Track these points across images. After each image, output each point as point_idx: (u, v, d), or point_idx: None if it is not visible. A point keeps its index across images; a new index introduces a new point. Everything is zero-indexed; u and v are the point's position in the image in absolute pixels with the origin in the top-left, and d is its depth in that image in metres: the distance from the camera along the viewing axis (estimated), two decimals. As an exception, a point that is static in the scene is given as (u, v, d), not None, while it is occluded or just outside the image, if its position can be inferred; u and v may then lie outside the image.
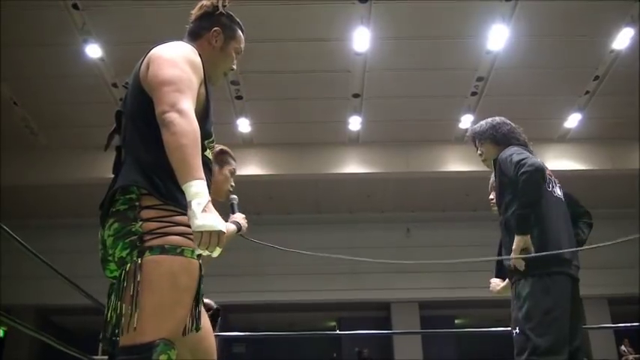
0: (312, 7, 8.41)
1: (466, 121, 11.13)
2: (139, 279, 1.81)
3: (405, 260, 13.44)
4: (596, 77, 9.98)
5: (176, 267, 1.84)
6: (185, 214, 1.81)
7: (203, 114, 2.03)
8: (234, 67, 2.31)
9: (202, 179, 1.79)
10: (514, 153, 3.19)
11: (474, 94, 10.41)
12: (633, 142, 11.18)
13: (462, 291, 13.06)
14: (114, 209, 1.93)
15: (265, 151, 11.75)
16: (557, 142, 11.41)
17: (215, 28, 2.20)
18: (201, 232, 1.73)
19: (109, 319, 1.90)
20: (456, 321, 15.82)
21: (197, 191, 1.76)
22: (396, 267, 13.24)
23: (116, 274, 1.93)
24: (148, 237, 1.85)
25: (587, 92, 10.39)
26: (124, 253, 1.87)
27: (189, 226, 1.80)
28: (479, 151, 3.56)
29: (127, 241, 1.87)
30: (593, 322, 10.22)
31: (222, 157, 3.07)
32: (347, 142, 11.96)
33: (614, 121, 10.84)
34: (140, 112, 1.99)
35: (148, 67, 1.98)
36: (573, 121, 11.03)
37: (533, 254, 3.04)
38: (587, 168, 11.54)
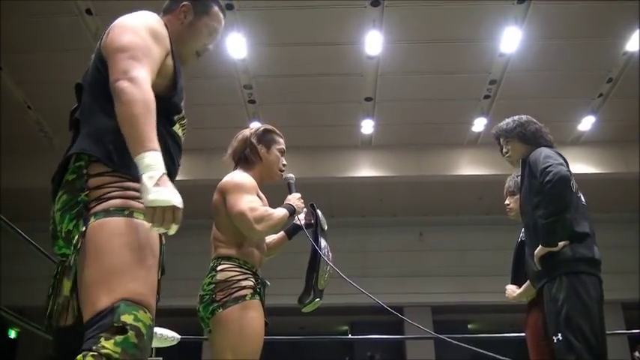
0: (324, 11, 8.41)
1: (479, 125, 11.09)
2: (82, 247, 1.64)
3: (418, 264, 13.44)
4: (610, 80, 9.92)
5: (124, 226, 1.64)
6: (137, 181, 1.64)
7: (170, 87, 1.89)
8: (210, 46, 2.16)
9: (157, 150, 1.62)
10: (544, 157, 3.11)
11: (486, 97, 10.37)
12: (636, 145, 11.11)
13: (475, 295, 13.00)
14: (64, 181, 1.79)
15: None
16: (571, 145, 11.33)
17: (184, 3, 2.06)
18: (154, 207, 1.56)
19: (52, 297, 1.76)
20: (469, 326, 15.75)
21: (150, 163, 1.59)
22: (409, 271, 13.22)
23: (65, 250, 1.79)
24: (93, 204, 1.68)
25: (601, 95, 10.33)
26: (70, 226, 1.72)
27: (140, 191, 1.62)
28: (504, 149, 3.47)
29: (73, 212, 1.72)
30: (606, 328, 10.13)
31: (269, 137, 2.93)
32: (359, 146, 11.96)
33: (628, 124, 10.75)
34: (97, 81, 1.85)
35: (107, 36, 1.86)
36: (587, 124, 10.96)
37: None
38: (601, 171, 11.46)
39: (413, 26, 8.76)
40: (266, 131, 2.92)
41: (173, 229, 1.61)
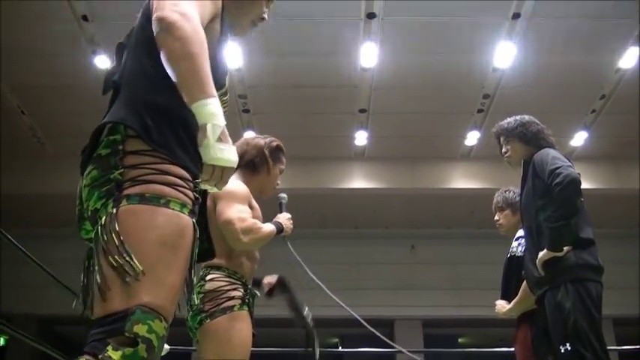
0: (319, 23, 8.44)
1: (472, 138, 11.13)
2: (117, 229, 1.45)
3: (409, 277, 13.42)
4: (603, 96, 9.98)
5: (159, 219, 1.47)
6: (178, 165, 1.51)
7: (212, 56, 1.60)
8: (266, 16, 2.00)
9: (216, 97, 1.48)
10: (552, 158, 3.01)
11: (480, 111, 10.41)
12: (635, 160, 11.16)
13: (466, 309, 12.98)
14: (95, 154, 1.62)
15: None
16: (564, 160, 11.37)
17: None
18: (213, 165, 1.46)
19: (85, 282, 1.62)
20: (460, 340, 15.72)
21: (213, 111, 1.45)
22: (401, 284, 13.19)
23: (91, 234, 1.60)
24: (127, 184, 1.51)
25: (594, 111, 10.38)
26: (98, 204, 1.54)
27: (180, 178, 1.51)
28: (504, 149, 3.40)
29: (103, 190, 1.54)
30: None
31: (279, 154, 2.93)
32: (353, 157, 11.96)
33: (621, 140, 10.81)
34: (143, 43, 1.67)
35: None
36: (579, 139, 11.01)
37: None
38: (593, 187, 11.50)
39: (408, 39, 8.80)
40: (278, 148, 2.93)
41: (218, 189, 1.53)
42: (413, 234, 13.75)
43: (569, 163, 3.00)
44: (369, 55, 8.92)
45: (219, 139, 1.46)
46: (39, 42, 8.54)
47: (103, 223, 1.50)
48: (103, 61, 8.89)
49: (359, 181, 12.10)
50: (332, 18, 8.36)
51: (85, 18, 8.20)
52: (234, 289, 2.58)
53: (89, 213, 1.60)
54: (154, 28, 1.53)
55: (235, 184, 2.70)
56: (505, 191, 3.89)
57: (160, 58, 1.53)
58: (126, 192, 1.50)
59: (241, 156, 2.69)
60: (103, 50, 8.72)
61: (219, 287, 2.55)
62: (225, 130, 1.48)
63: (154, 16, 1.53)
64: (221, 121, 1.47)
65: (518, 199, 3.80)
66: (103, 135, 1.62)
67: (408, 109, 10.35)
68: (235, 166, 1.49)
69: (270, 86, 9.74)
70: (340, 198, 12.45)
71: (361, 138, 11.24)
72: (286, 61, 9.18)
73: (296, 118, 10.62)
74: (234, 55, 8.77)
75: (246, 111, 10.24)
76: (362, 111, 10.46)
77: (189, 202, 1.53)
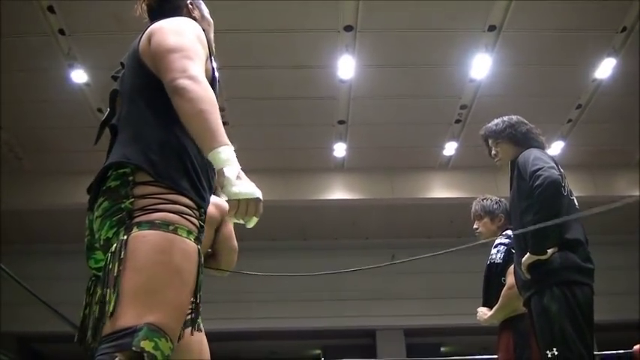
0: (297, 35, 8.47)
1: (450, 148, 11.20)
2: (122, 257, 1.56)
3: (390, 287, 13.42)
4: (579, 106, 10.10)
5: (166, 244, 1.58)
6: (184, 195, 1.63)
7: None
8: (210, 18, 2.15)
9: (230, 145, 1.62)
10: (533, 158, 2.94)
11: (457, 121, 10.49)
12: (615, 170, 11.29)
13: (447, 318, 13.01)
14: (104, 187, 1.71)
15: (250, 178, 11.47)
16: (541, 169, 11.47)
17: (189, 0, 2.05)
18: (238, 200, 1.57)
19: (87, 313, 1.69)
20: (442, 349, 15.74)
21: (227, 157, 1.60)
22: (381, 293, 13.18)
23: (102, 264, 1.69)
24: (138, 213, 1.62)
25: (570, 120, 10.51)
26: (110, 233, 1.65)
27: (186, 207, 1.63)
28: (493, 151, 3.30)
29: (114, 219, 1.65)
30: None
31: None
32: (332, 169, 11.98)
33: (597, 149, 10.95)
34: (139, 87, 1.81)
35: (149, 41, 1.82)
36: (556, 148, 11.12)
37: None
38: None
39: (385, 51, 8.86)
40: None
41: (253, 222, 1.62)
42: (393, 244, 13.75)
43: (552, 164, 2.94)
44: (346, 67, 8.96)
45: (238, 177, 1.61)
46: (15, 56, 8.45)
47: (112, 250, 1.61)
48: (79, 76, 8.84)
49: (338, 192, 12.11)
50: (309, 30, 8.39)
51: (61, 32, 8.15)
52: None
53: (101, 242, 1.69)
54: (167, 91, 1.68)
55: None
56: (483, 199, 3.91)
57: (155, 99, 1.71)
58: (137, 220, 1.62)
59: None
60: (79, 64, 8.66)
61: None
62: (242, 172, 1.63)
63: (165, 80, 1.70)
64: (235, 164, 1.61)
65: (496, 206, 3.83)
66: (111, 171, 1.72)
67: (387, 120, 10.40)
68: (258, 196, 1.59)
69: (248, 98, 9.74)
70: (320, 209, 12.45)
71: (340, 149, 11.26)
72: (265, 73, 9.19)
73: (275, 130, 10.63)
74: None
75: (225, 123, 10.19)
76: (340, 122, 10.49)
77: (195, 229, 1.67)
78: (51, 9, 7.79)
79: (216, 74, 1.97)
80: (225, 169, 1.59)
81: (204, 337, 2.32)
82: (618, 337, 8.79)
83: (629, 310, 11.02)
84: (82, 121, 9.62)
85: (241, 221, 1.61)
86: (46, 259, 12.39)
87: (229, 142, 1.64)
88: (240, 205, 1.58)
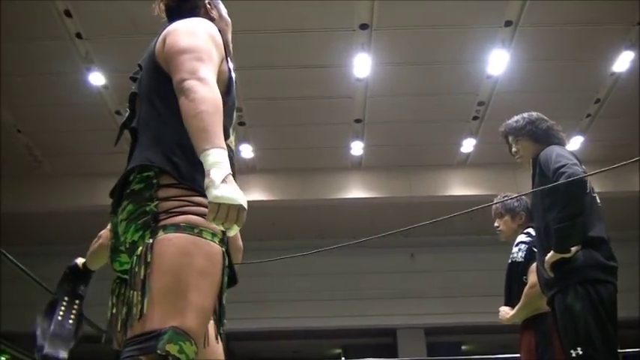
0: (313, 35, 8.47)
1: (468, 145, 11.14)
2: (149, 260, 1.58)
3: (410, 285, 13.40)
4: (597, 100, 10.01)
5: (192, 247, 1.59)
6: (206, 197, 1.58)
7: (225, 93, 1.81)
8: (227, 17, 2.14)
9: (223, 148, 1.59)
10: (556, 155, 2.91)
11: (475, 118, 10.43)
12: (634, 164, 11.15)
13: (468, 316, 12.95)
14: (128, 190, 1.73)
15: (268, 178, 11.75)
16: (560, 165, 11.38)
17: (206, 0, 2.04)
18: (218, 204, 1.51)
19: (114, 312, 1.74)
20: (463, 347, 15.67)
21: (216, 160, 1.56)
22: (402, 292, 13.16)
23: (126, 266, 1.71)
24: (163, 216, 1.63)
25: (589, 115, 10.41)
26: (136, 236, 1.66)
27: None
28: (514, 149, 3.27)
29: (139, 222, 1.66)
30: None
31: None
32: (349, 168, 11.97)
33: (617, 143, 10.82)
34: (156, 89, 1.81)
35: (163, 43, 1.83)
36: (575, 143, 11.03)
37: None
38: (590, 191, 11.51)
39: (401, 49, 8.83)
40: None
41: (234, 230, 1.57)
42: (412, 242, 13.73)
43: (575, 161, 2.93)
44: (362, 65, 8.94)
45: (224, 181, 1.54)
46: (33, 60, 8.55)
47: (138, 253, 1.62)
48: (97, 78, 8.90)
49: (356, 191, 12.09)
50: (325, 30, 8.39)
51: (78, 35, 8.22)
52: None
53: (127, 245, 1.70)
54: (175, 91, 1.68)
55: None
56: (503, 197, 3.88)
57: (172, 100, 1.69)
58: (162, 223, 1.62)
59: None
60: (97, 67, 8.73)
61: None
62: (231, 177, 1.57)
63: (174, 79, 1.70)
64: (224, 168, 1.55)
65: (516, 204, 3.79)
66: (134, 174, 1.73)
67: (403, 118, 10.37)
68: (241, 204, 1.53)
69: (265, 99, 9.75)
70: (338, 208, 12.44)
71: (357, 148, 11.24)
72: (281, 74, 9.21)
73: (292, 129, 10.63)
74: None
75: (242, 124, 10.25)
76: (357, 121, 10.47)
77: (219, 231, 1.65)
78: (67, 13, 7.86)
79: (233, 75, 1.94)
80: (211, 171, 1.55)
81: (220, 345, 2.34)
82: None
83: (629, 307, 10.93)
84: (100, 124, 9.70)
85: (221, 227, 1.56)
86: (68, 261, 12.48)
87: (223, 145, 1.60)
88: (220, 210, 1.52)
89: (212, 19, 2.01)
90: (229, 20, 2.15)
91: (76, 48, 8.44)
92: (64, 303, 2.56)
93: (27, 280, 3.30)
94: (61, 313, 2.50)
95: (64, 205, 11.37)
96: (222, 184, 1.53)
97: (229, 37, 2.12)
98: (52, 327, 2.47)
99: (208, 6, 2.05)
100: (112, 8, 7.66)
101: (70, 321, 2.50)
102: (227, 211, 1.52)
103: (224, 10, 2.15)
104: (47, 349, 2.40)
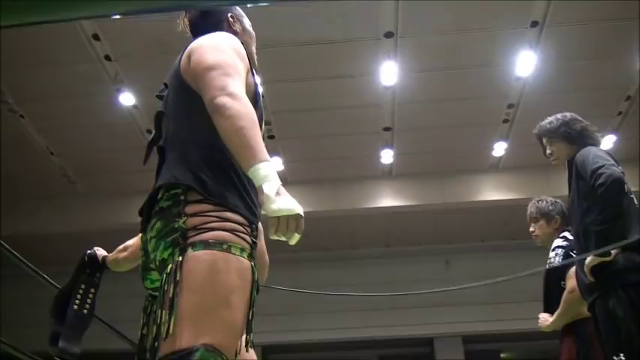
0: (338, 46, 8.49)
1: (499, 149, 11.03)
2: (177, 278, 1.57)
3: (447, 293, 13.28)
4: (628, 97, 9.85)
5: (221, 263, 1.60)
6: (235, 212, 1.63)
7: (253, 105, 1.80)
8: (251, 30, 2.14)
9: (269, 161, 1.61)
10: (593, 156, 2.87)
11: (505, 121, 10.33)
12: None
13: (505, 323, 12.79)
14: (157, 208, 1.72)
15: (299, 189, 11.74)
16: (594, 165, 11.21)
17: (230, 14, 2.05)
18: (278, 217, 1.54)
19: (145, 332, 1.77)
20: (502, 355, 15.47)
21: (266, 174, 1.58)
22: (438, 300, 13.05)
23: (157, 284, 1.71)
24: (191, 233, 1.64)
25: (620, 113, 10.24)
26: (165, 254, 1.67)
27: (239, 224, 1.63)
28: (548, 151, 3.23)
29: (168, 240, 1.67)
30: None
31: None
32: (380, 176, 11.93)
33: (650, 141, 10.63)
34: (182, 107, 1.82)
35: (189, 59, 1.83)
36: (608, 142, 10.84)
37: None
38: (626, 190, 11.30)
39: (427, 55, 8.80)
40: None
41: (295, 239, 1.60)
42: (446, 249, 13.63)
43: (613, 162, 2.88)
44: (389, 73, 8.93)
45: (278, 194, 1.58)
46: (63, 84, 8.71)
47: (168, 271, 1.62)
48: (127, 98, 9.04)
49: (388, 199, 12.04)
50: (350, 40, 8.40)
51: (107, 58, 8.35)
52: None
53: (157, 263, 1.70)
54: (208, 109, 1.68)
55: None
56: (538, 201, 3.83)
57: (198, 117, 1.70)
58: (191, 240, 1.63)
59: None
60: (127, 87, 8.86)
61: None
62: (282, 188, 1.59)
63: (205, 98, 1.69)
64: (275, 180, 1.57)
65: (551, 207, 3.73)
66: (162, 192, 1.73)
67: (433, 124, 10.32)
68: (298, 213, 1.57)
69: (293, 111, 9.80)
70: (370, 218, 12.40)
71: (387, 156, 11.21)
72: (308, 85, 9.24)
73: (321, 140, 10.65)
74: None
75: (272, 137, 10.30)
76: (386, 129, 10.45)
77: (248, 246, 1.67)
78: (96, 37, 8.01)
79: (259, 88, 1.95)
80: (264, 186, 1.57)
81: (254, 355, 2.33)
82: None
83: None
84: (132, 142, 9.83)
85: (283, 238, 1.59)
86: (103, 279, 12.63)
87: (269, 158, 1.63)
88: (281, 222, 1.56)
89: (235, 33, 2.02)
90: (253, 33, 2.16)
91: (106, 70, 8.58)
92: (80, 291, 2.56)
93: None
94: (77, 301, 2.51)
95: (100, 223, 11.52)
96: (278, 197, 1.57)
97: (253, 49, 2.13)
98: (67, 316, 2.45)
99: (231, 20, 2.07)
100: (139, 29, 7.77)
101: (85, 311, 2.51)
102: (287, 223, 1.55)
103: (248, 23, 2.15)
104: (62, 343, 2.38)
